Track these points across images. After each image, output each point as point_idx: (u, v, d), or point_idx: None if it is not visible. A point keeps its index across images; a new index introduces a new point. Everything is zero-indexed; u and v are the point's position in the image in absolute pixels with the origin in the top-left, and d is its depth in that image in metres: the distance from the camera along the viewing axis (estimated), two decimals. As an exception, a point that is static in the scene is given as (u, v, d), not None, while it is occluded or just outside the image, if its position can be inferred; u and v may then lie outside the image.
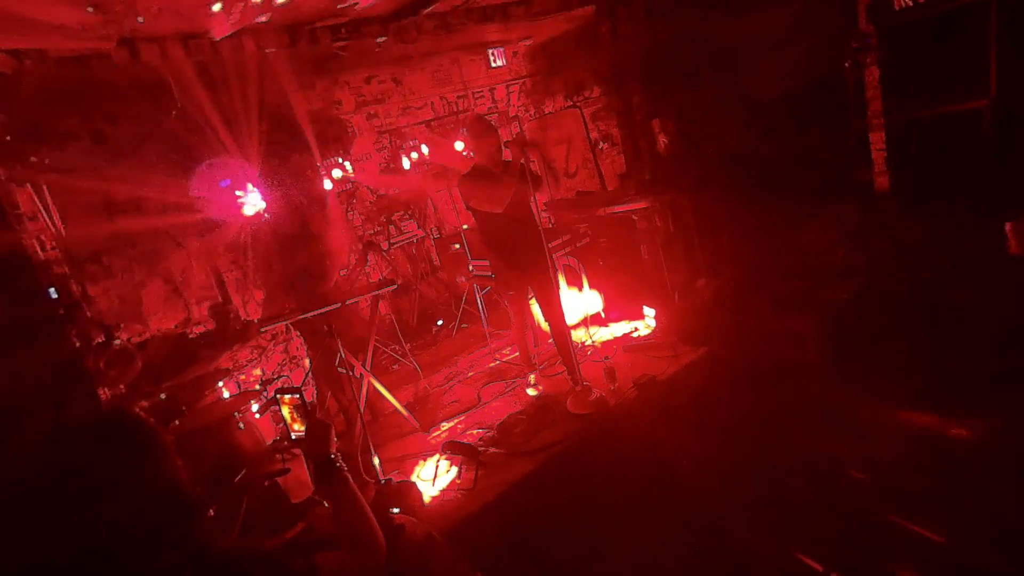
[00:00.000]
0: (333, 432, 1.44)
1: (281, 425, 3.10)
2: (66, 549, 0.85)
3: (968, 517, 2.18)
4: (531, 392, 3.67)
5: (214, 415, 2.89)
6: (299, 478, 1.66)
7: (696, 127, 4.98)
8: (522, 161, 3.18)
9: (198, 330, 4.61)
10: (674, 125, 5.06)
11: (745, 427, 3.04)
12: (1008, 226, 3.16)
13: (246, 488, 1.42)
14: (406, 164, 5.56)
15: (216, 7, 2.82)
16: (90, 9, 2.49)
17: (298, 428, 1.80)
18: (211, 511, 1.39)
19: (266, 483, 2.35)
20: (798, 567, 2.19)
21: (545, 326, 4.44)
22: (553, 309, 3.52)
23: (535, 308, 4.15)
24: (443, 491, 2.91)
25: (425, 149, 5.63)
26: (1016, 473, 2.32)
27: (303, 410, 1.72)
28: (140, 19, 2.79)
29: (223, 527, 1.33)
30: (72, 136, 4.12)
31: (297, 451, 1.43)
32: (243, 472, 1.45)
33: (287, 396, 1.77)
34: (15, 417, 2.26)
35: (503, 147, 3.37)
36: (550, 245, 3.37)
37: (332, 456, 1.37)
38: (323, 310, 3.15)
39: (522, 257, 3.37)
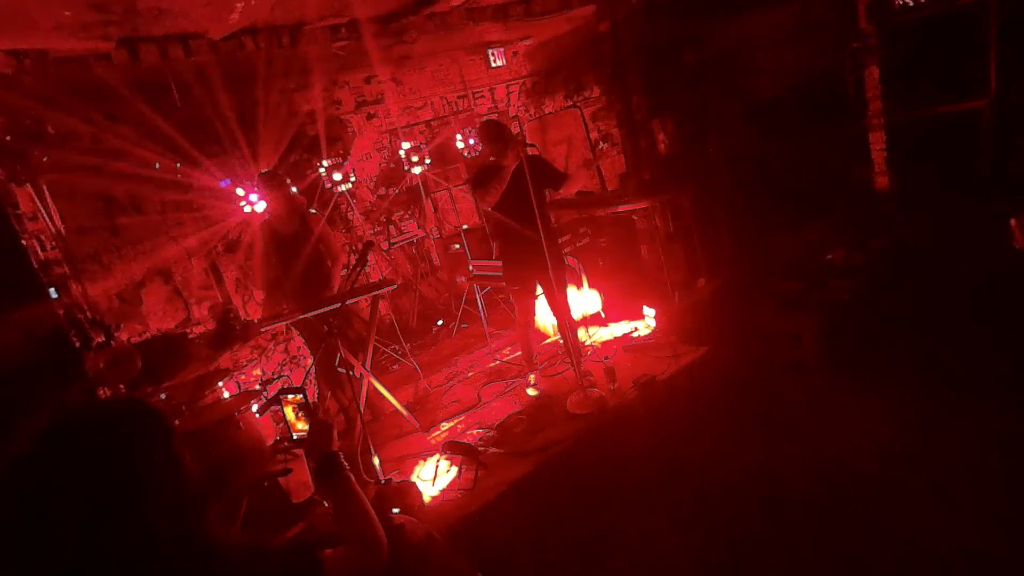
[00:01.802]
0: (335, 432, 1.44)
1: (282, 425, 3.11)
2: (69, 545, 0.85)
3: (968, 516, 2.18)
4: (531, 392, 3.67)
5: (214, 415, 2.89)
6: (300, 478, 1.66)
7: (696, 127, 4.98)
8: (522, 157, 3.17)
9: (198, 330, 4.61)
10: (674, 125, 5.06)
11: (745, 426, 3.04)
12: (1013, 221, 3.17)
13: (247, 488, 1.42)
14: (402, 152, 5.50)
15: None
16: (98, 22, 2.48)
17: (301, 428, 1.79)
18: (213, 509, 1.39)
19: (266, 483, 2.35)
20: (799, 565, 2.19)
21: (544, 327, 4.45)
22: (559, 303, 3.52)
23: (538, 307, 4.15)
24: (443, 491, 2.91)
25: (428, 160, 5.63)
26: (1019, 472, 2.32)
27: (306, 410, 1.73)
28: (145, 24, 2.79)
29: (224, 526, 1.33)
30: (72, 136, 4.12)
31: (299, 451, 1.43)
32: (244, 472, 1.45)
33: (290, 396, 1.77)
34: (14, 417, 2.26)
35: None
36: (560, 242, 3.38)
37: (334, 454, 1.37)
38: (323, 310, 3.16)
39: (532, 252, 3.34)
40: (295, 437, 1.74)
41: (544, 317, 4.42)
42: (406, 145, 5.37)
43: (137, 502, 0.91)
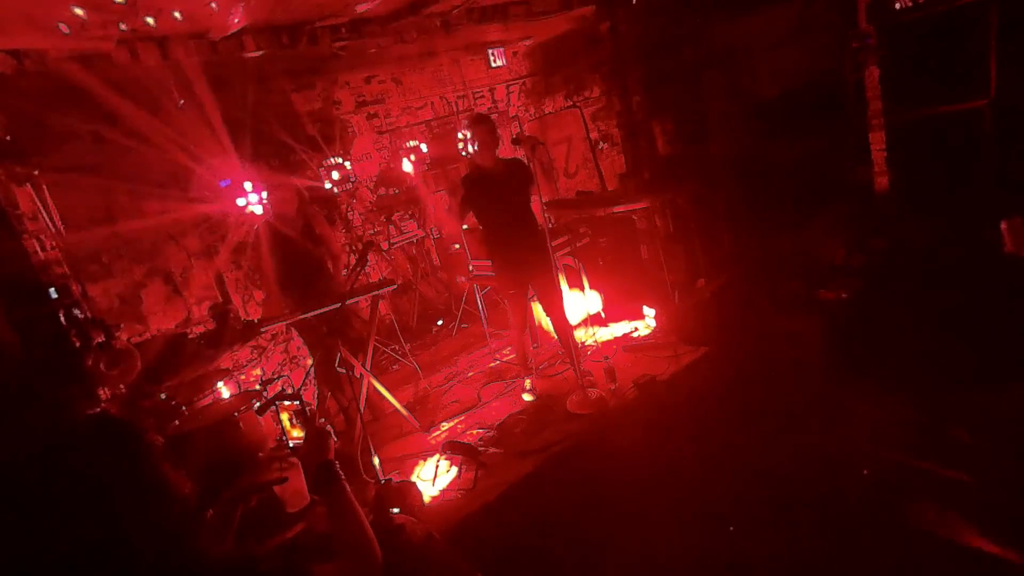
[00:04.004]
0: (331, 440, 1.43)
1: (279, 426, 3.10)
2: (57, 551, 0.85)
3: (969, 516, 2.18)
4: (527, 398, 3.66)
5: (214, 415, 2.88)
6: (295, 487, 1.64)
7: (696, 127, 4.98)
8: (528, 158, 3.16)
9: (198, 330, 4.60)
10: (674, 125, 5.06)
11: (745, 426, 3.04)
12: (1003, 225, 3.17)
13: (242, 496, 1.41)
14: (407, 167, 5.54)
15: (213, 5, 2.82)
16: (77, 10, 2.48)
17: (297, 435, 1.79)
18: (209, 513, 1.38)
19: (264, 492, 2.33)
20: (800, 565, 2.19)
21: (546, 324, 4.45)
22: (555, 307, 3.53)
23: (536, 307, 4.15)
24: (443, 491, 2.91)
25: (424, 147, 5.64)
26: (1016, 471, 2.32)
27: (303, 417, 1.72)
28: (150, 20, 2.79)
29: (219, 531, 1.32)
30: (72, 136, 4.11)
31: (295, 459, 1.41)
32: (240, 478, 1.44)
33: (286, 403, 1.76)
34: (13, 418, 2.26)
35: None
36: (551, 245, 3.37)
37: (330, 463, 1.36)
38: (323, 310, 3.15)
39: (522, 256, 3.37)
40: (291, 445, 1.73)
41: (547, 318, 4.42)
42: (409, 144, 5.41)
43: (111, 519, 0.90)
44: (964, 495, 2.28)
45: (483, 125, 3.27)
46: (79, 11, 2.55)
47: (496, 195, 3.30)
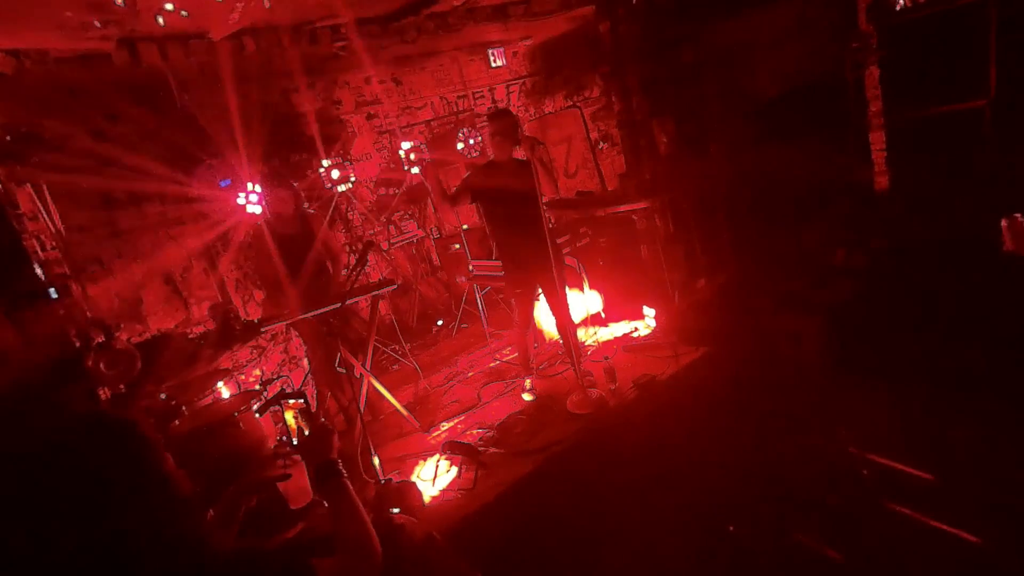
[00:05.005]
0: (335, 438, 1.43)
1: (281, 425, 3.10)
2: (59, 548, 0.85)
3: (970, 516, 2.18)
4: (527, 397, 3.66)
5: (214, 415, 2.89)
6: (299, 484, 1.64)
7: (696, 127, 4.98)
8: (527, 158, 3.18)
9: (198, 330, 4.61)
10: (674, 125, 5.06)
11: (745, 426, 3.04)
12: (1003, 223, 3.17)
13: (245, 492, 1.42)
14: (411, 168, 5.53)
15: None
16: (78, 11, 2.49)
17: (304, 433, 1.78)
18: (210, 512, 1.38)
19: (266, 489, 2.33)
20: (800, 565, 2.19)
21: (548, 329, 4.46)
22: (561, 306, 3.53)
23: (537, 307, 4.15)
24: (443, 491, 2.91)
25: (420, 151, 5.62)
26: (1016, 469, 2.32)
27: (307, 415, 1.72)
28: (160, 20, 2.80)
29: (222, 529, 1.33)
30: (72, 136, 4.11)
31: (298, 457, 1.41)
32: (243, 476, 1.45)
33: (291, 401, 1.77)
34: (14, 418, 2.26)
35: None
36: (556, 244, 3.38)
37: (332, 461, 1.37)
38: (323, 310, 3.16)
39: (531, 256, 3.35)
40: (295, 442, 1.74)
41: (546, 319, 4.42)
42: (406, 144, 5.38)
43: (113, 519, 0.90)
44: (963, 496, 2.28)
45: (504, 119, 3.29)
46: (80, 12, 2.55)
47: (506, 193, 3.28)
